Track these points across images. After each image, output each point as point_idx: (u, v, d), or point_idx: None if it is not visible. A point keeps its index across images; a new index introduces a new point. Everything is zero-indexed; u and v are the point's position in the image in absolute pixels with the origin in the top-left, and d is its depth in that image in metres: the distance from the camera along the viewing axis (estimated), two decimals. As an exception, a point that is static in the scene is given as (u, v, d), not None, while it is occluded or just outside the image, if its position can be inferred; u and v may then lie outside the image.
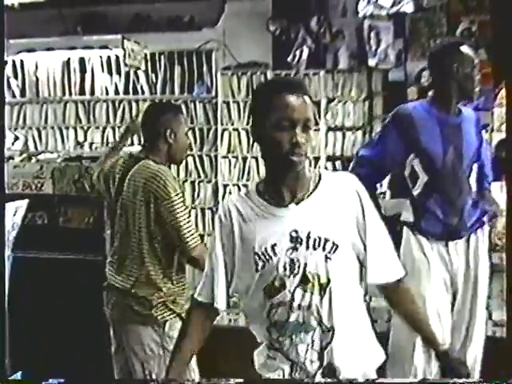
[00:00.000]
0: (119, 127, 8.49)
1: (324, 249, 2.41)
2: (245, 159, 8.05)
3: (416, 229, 3.95)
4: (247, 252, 2.47)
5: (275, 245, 2.42)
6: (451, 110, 3.92)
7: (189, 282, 3.95)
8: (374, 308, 5.09)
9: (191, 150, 8.17)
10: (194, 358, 3.34)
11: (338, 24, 7.79)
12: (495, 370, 4.04)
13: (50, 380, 2.48)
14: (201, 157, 8.28)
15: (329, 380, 2.48)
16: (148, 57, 8.00)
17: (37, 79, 8.84)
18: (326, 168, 7.73)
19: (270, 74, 7.77)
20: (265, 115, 2.39)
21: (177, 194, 3.71)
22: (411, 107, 4.00)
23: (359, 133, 7.73)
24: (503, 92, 4.98)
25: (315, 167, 7.75)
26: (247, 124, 7.59)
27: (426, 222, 3.91)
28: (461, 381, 2.65)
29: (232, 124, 8.05)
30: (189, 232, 3.70)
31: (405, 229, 3.99)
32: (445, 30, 7.37)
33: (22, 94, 8.83)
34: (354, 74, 7.74)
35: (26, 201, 3.73)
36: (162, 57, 8.38)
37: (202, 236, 6.47)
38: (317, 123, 7.76)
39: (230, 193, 7.89)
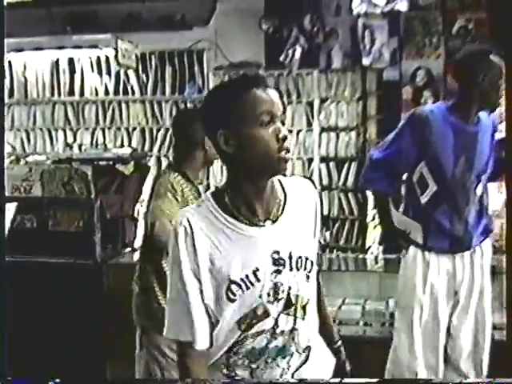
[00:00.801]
0: (109, 128, 8.41)
1: (305, 268, 2.22)
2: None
3: (423, 244, 3.93)
4: (218, 280, 2.14)
5: (257, 270, 2.14)
6: (470, 119, 3.84)
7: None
8: (369, 311, 5.06)
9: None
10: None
11: (331, 23, 7.70)
12: (495, 371, 4.07)
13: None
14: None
15: (331, 380, 2.41)
16: (139, 57, 7.88)
17: (25, 80, 8.73)
18: (319, 170, 7.65)
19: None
20: (234, 114, 2.11)
21: None
22: (428, 111, 3.91)
23: (353, 133, 7.62)
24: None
25: (309, 168, 7.67)
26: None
27: (432, 235, 3.92)
28: (466, 381, 2.56)
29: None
30: None
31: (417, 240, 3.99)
32: (440, 29, 7.31)
33: (10, 94, 8.71)
34: (347, 73, 7.62)
35: (15, 204, 3.66)
36: (153, 57, 8.29)
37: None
38: (310, 123, 7.68)
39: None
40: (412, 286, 3.96)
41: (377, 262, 6.00)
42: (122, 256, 5.60)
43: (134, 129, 8.40)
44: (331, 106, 7.68)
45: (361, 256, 6.23)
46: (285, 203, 2.23)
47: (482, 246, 4.02)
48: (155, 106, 8.35)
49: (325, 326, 2.49)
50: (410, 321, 3.97)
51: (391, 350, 4.08)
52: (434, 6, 7.32)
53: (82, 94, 8.58)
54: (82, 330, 5.07)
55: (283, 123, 2.14)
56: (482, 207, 4.03)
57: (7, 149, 8.03)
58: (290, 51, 7.72)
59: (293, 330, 2.21)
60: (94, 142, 8.40)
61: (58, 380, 2.29)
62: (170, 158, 4.02)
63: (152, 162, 7.79)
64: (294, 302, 2.19)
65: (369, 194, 6.65)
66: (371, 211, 7.22)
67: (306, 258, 2.22)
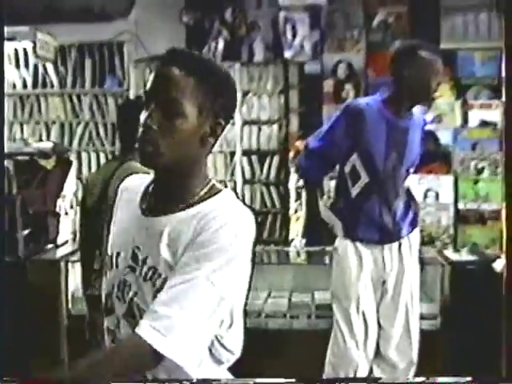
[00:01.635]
0: (28, 123, 8.22)
1: None
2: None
3: (353, 235, 3.96)
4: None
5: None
6: (402, 114, 3.88)
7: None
8: (295, 304, 5.09)
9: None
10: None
11: (253, 15, 7.71)
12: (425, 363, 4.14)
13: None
14: (113, 152, 8.02)
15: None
16: (58, 49, 7.72)
17: None
18: (241, 163, 7.63)
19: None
20: None
21: None
22: (364, 103, 3.94)
23: (275, 126, 7.61)
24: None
25: (231, 162, 7.66)
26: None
27: (362, 227, 3.95)
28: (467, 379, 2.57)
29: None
30: None
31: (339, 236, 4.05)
32: (361, 22, 7.38)
33: None
34: (269, 66, 7.60)
35: None
36: (72, 49, 8.09)
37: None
38: (232, 117, 7.63)
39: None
40: (347, 277, 3.99)
41: (299, 255, 6.03)
42: (45, 252, 5.49)
43: (54, 122, 8.23)
44: (253, 99, 7.66)
45: (284, 249, 6.25)
46: None
47: (409, 237, 4.07)
48: (74, 100, 8.18)
49: None
50: (348, 312, 4.00)
51: (331, 342, 4.09)
52: (355, -1, 7.40)
53: (-1, 87, 8.37)
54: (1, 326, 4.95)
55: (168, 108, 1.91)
56: (409, 199, 4.09)
57: None
58: (213, 44, 7.68)
59: None
60: (12, 136, 8.19)
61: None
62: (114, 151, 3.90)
63: (73, 157, 7.65)
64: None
65: (291, 187, 6.70)
66: (293, 204, 7.24)
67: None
